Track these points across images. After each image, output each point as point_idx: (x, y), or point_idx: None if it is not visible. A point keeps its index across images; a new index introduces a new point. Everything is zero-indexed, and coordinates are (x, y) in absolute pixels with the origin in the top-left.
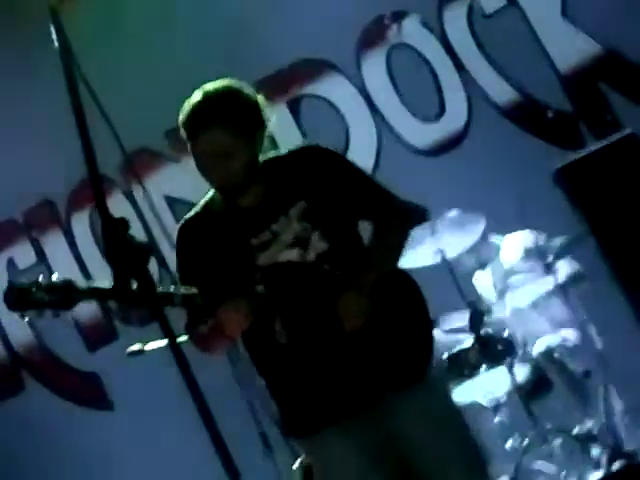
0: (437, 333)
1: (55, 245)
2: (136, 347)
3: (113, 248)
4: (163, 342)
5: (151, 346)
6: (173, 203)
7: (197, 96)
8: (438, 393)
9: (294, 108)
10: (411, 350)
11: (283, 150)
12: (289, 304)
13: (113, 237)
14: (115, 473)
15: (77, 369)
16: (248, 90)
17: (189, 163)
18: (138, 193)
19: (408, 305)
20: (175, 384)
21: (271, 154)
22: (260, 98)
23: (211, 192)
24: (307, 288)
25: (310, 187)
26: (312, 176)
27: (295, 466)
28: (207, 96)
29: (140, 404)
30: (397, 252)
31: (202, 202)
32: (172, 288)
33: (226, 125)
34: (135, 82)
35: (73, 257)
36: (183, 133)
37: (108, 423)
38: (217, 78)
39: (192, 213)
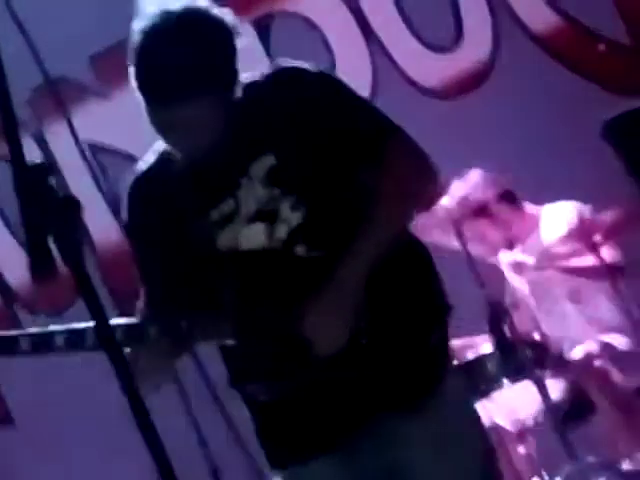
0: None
1: None
2: None
3: (31, 204)
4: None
5: None
6: (99, 152)
7: (164, 36)
8: (456, 410)
9: (263, 30)
10: (417, 356)
11: (259, 73)
12: (245, 314)
13: (31, 189)
14: None
15: None
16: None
17: (123, 100)
18: (53, 137)
19: (413, 293)
20: (101, 389)
21: (243, 78)
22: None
23: None
24: (272, 290)
25: (281, 133)
26: (284, 116)
27: None
28: (182, 41)
29: (50, 418)
30: (400, 220)
31: (156, 147)
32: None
33: (213, 94)
34: None
35: None
36: (134, 82)
37: (6, 442)
38: None
39: (144, 166)
